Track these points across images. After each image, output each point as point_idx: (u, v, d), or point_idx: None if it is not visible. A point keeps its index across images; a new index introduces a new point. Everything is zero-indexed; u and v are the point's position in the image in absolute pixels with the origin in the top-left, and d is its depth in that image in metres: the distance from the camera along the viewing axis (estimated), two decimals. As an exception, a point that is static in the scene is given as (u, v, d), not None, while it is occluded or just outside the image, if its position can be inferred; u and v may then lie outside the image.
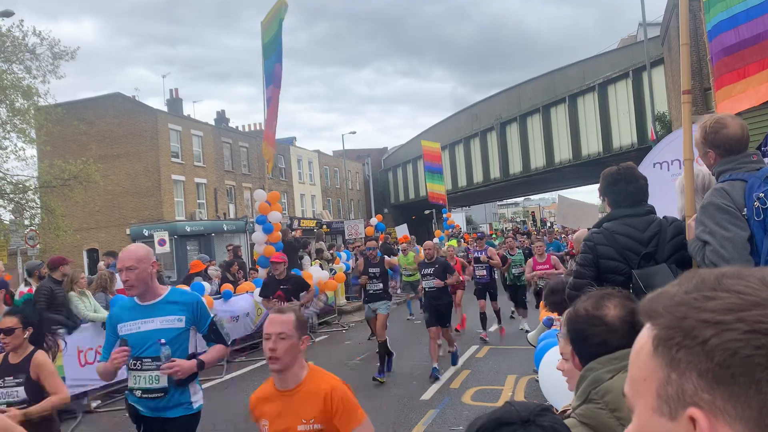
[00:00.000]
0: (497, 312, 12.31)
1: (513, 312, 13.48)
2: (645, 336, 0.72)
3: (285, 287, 8.23)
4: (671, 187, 4.00)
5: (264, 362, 11.01)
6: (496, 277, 12.82)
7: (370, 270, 9.54)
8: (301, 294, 8.67)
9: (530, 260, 10.99)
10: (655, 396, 0.69)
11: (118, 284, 9.64)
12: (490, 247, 13.11)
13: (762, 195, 2.69)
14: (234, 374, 10.27)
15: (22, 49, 21.51)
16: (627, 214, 3.30)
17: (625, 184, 3.34)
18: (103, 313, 8.33)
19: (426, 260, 9.69)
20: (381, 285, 9.46)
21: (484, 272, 12.19)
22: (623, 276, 3.19)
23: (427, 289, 9.44)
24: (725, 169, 2.92)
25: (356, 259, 14.88)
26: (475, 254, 12.64)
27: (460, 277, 11.69)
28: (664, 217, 3.34)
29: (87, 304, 8.27)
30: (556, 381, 2.78)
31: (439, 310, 9.21)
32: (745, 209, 2.74)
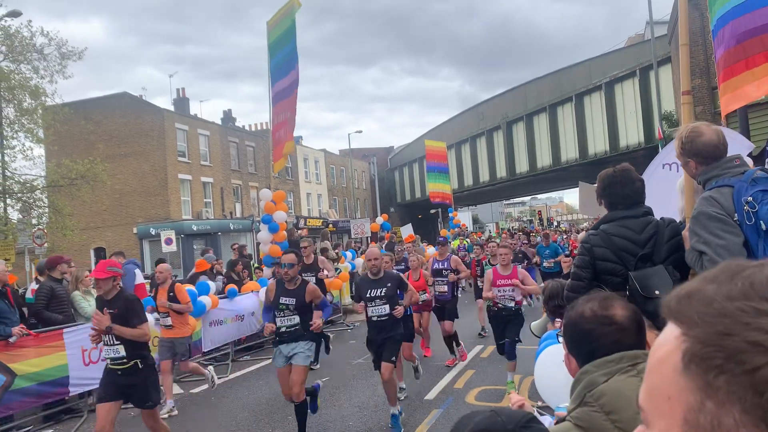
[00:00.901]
0: (449, 337, 9.72)
1: (483, 329, 11.96)
2: (671, 344, 0.60)
3: (111, 311, 5.49)
4: None
5: (269, 361, 11.09)
6: (459, 294, 10.91)
7: (282, 300, 6.50)
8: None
9: (489, 272, 8.41)
10: (681, 421, 0.57)
11: (138, 279, 9.74)
12: (454, 256, 10.62)
13: (750, 198, 2.68)
14: (238, 373, 10.32)
15: (30, 50, 21.64)
16: (624, 215, 3.31)
17: (621, 186, 3.34)
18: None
19: (371, 275, 6.92)
20: (297, 318, 6.48)
21: (445, 288, 9.86)
22: (620, 277, 3.19)
23: (375, 319, 6.78)
24: (711, 176, 2.91)
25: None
26: (435, 265, 10.11)
27: (425, 294, 9.55)
28: (661, 219, 3.34)
29: (92, 303, 8.32)
30: (551, 381, 2.79)
31: (383, 342, 6.77)
32: (736, 215, 2.73)
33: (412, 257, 10.34)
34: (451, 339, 9.76)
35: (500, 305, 8.04)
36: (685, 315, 0.59)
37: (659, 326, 2.26)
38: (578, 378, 1.69)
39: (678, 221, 3.40)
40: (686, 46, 3.25)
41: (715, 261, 2.72)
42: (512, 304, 8.07)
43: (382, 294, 6.74)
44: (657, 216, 3.42)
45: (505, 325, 8.05)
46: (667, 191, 4.29)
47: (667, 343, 0.61)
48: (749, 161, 3.49)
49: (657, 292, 3.07)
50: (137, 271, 9.98)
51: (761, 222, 2.65)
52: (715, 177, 2.88)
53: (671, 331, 0.61)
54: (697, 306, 0.58)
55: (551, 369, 3.00)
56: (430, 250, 16.78)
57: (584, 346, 1.77)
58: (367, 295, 6.81)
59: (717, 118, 16.86)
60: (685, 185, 3.31)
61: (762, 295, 0.56)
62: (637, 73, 32.35)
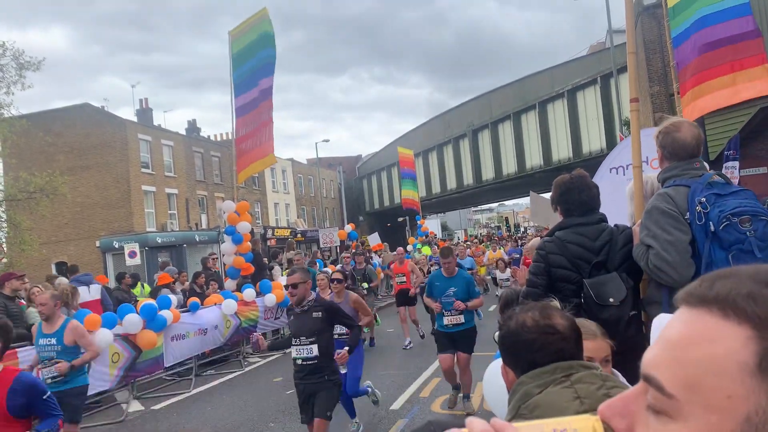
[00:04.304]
0: None
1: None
2: (733, 342, 0.59)
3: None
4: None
5: (233, 375, 10.94)
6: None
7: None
8: None
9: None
10: (742, 419, 0.57)
11: (85, 297, 9.45)
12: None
13: (704, 199, 2.76)
14: (202, 388, 10.13)
15: (-17, 61, 21.13)
16: (578, 222, 3.32)
17: (577, 193, 3.35)
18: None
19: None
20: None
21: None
22: (575, 285, 3.20)
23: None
24: (670, 175, 2.99)
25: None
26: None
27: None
28: (615, 226, 3.36)
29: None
30: (499, 391, 2.78)
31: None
32: (688, 213, 2.80)
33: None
34: None
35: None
36: (757, 317, 0.59)
37: (615, 334, 2.23)
38: (514, 389, 1.66)
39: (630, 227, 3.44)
40: (633, 54, 3.30)
41: (661, 255, 2.80)
42: None
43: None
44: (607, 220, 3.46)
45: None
46: (615, 196, 4.35)
47: (725, 339, 0.59)
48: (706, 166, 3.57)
49: (611, 300, 3.09)
50: (91, 287, 9.64)
51: (710, 223, 2.73)
52: (674, 177, 2.96)
53: (731, 329, 0.60)
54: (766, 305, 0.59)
55: (499, 379, 3.00)
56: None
57: (526, 357, 1.73)
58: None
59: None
60: (634, 191, 3.34)
61: None
62: (598, 80, 32.94)
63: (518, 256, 17.92)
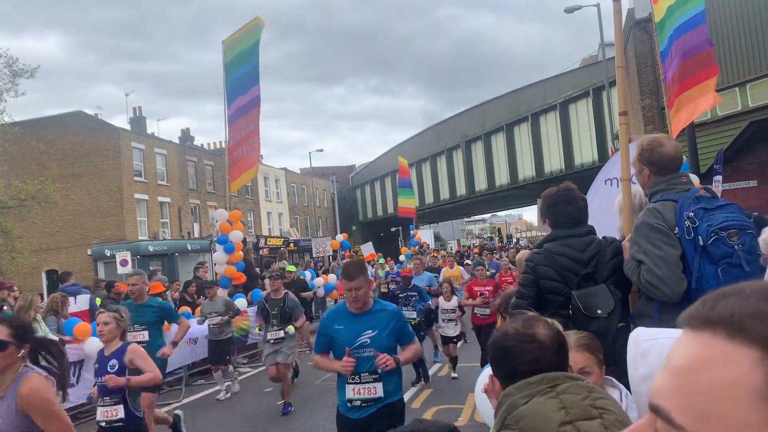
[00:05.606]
0: None
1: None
2: (741, 366, 0.55)
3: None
4: None
5: (227, 384, 10.89)
6: None
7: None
8: None
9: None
10: None
11: (71, 308, 9.39)
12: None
13: (692, 214, 2.79)
14: (192, 398, 10.08)
15: (-24, 67, 21.11)
16: (567, 234, 3.35)
17: (564, 205, 3.38)
18: (53, 338, 8.08)
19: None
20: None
21: None
22: (563, 296, 3.22)
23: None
24: (657, 190, 3.01)
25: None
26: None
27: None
28: (604, 238, 3.39)
29: (38, 331, 8.03)
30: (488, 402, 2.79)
31: None
32: (677, 228, 2.83)
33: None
34: None
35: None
36: (765, 337, 0.55)
37: (604, 346, 2.25)
38: (500, 401, 1.69)
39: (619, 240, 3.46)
40: (622, 68, 3.34)
41: (652, 270, 2.83)
42: None
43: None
44: (601, 232, 3.48)
45: None
46: (610, 207, 4.38)
47: (733, 363, 0.56)
48: (695, 179, 3.61)
49: (599, 312, 3.12)
50: (78, 297, 9.52)
51: (699, 237, 2.75)
52: (662, 191, 2.98)
53: (738, 352, 0.56)
54: None
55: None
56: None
57: (505, 365, 1.78)
58: None
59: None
60: (623, 204, 3.38)
61: None
62: (590, 93, 33.15)
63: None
